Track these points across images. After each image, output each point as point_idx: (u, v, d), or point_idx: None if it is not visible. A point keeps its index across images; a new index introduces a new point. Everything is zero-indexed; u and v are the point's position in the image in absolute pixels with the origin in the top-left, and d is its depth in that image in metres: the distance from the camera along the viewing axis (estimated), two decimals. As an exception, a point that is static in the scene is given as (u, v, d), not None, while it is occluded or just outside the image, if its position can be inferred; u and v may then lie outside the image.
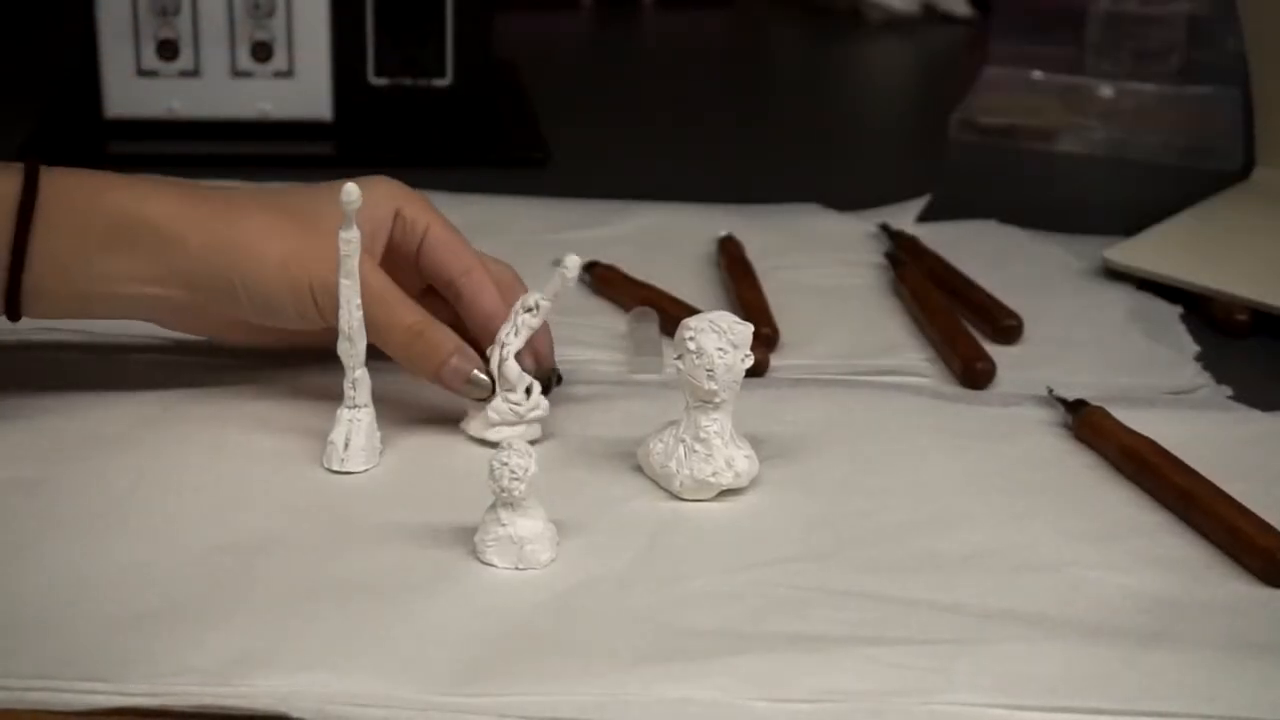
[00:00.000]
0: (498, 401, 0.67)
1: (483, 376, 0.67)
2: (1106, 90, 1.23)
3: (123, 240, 0.65)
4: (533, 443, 0.66)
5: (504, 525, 0.58)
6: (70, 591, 0.56)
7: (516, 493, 0.58)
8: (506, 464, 0.58)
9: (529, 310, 0.67)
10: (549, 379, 0.69)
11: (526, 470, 0.58)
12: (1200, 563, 0.61)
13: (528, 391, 0.67)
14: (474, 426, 0.68)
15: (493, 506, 0.59)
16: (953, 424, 0.71)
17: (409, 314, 0.67)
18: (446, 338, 0.67)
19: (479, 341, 0.68)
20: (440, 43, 1.08)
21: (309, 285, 0.65)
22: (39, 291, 0.65)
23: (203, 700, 0.51)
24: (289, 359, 0.73)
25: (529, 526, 0.58)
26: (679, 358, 0.64)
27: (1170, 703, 0.53)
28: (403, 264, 0.70)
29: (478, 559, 0.59)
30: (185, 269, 0.66)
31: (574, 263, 0.65)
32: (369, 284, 0.65)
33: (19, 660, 0.52)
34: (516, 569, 0.58)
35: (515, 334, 0.67)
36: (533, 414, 0.67)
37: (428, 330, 0.67)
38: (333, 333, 0.65)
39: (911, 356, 0.79)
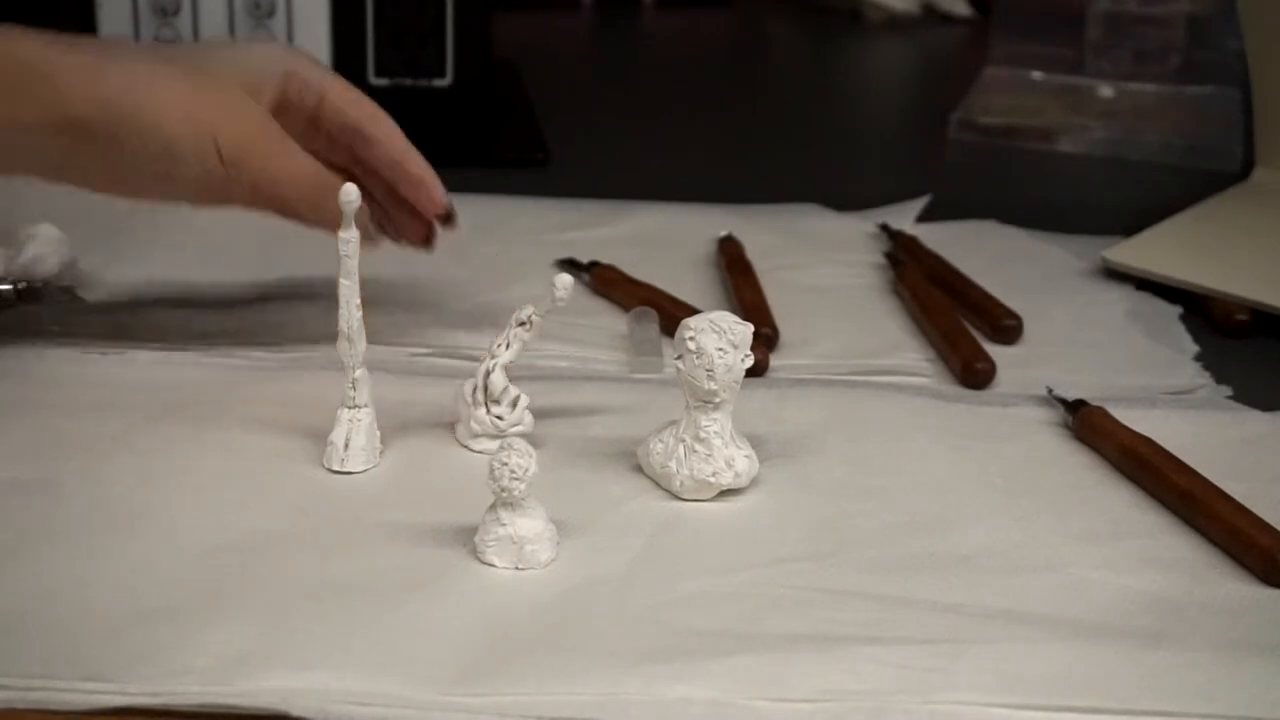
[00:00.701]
0: (480, 413, 0.67)
1: (373, 226, 0.73)
2: (1106, 90, 1.23)
3: (3, 85, 0.65)
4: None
5: (504, 525, 0.58)
6: (71, 591, 0.56)
7: (516, 492, 0.58)
8: (506, 464, 0.58)
9: (522, 324, 0.67)
10: (450, 214, 0.75)
11: (526, 470, 0.58)
12: (1200, 563, 0.61)
13: (513, 404, 0.67)
14: (460, 433, 0.68)
15: (493, 506, 0.59)
16: (953, 424, 0.71)
17: (315, 164, 0.69)
18: (352, 189, 0.64)
19: (395, 185, 0.73)
20: (440, 43, 1.08)
21: (212, 135, 0.66)
22: None
23: (204, 700, 0.51)
24: (290, 359, 0.74)
25: (529, 526, 0.58)
26: (679, 358, 0.64)
27: (1170, 703, 0.53)
28: (297, 125, 0.72)
29: (478, 559, 0.59)
30: (77, 115, 0.65)
31: (566, 282, 0.65)
32: (263, 132, 0.67)
33: (20, 660, 0.52)
34: (516, 569, 0.58)
35: (506, 347, 0.67)
36: (515, 429, 0.67)
37: (336, 184, 0.65)
38: (234, 192, 0.69)
39: (911, 356, 0.79)
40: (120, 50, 0.69)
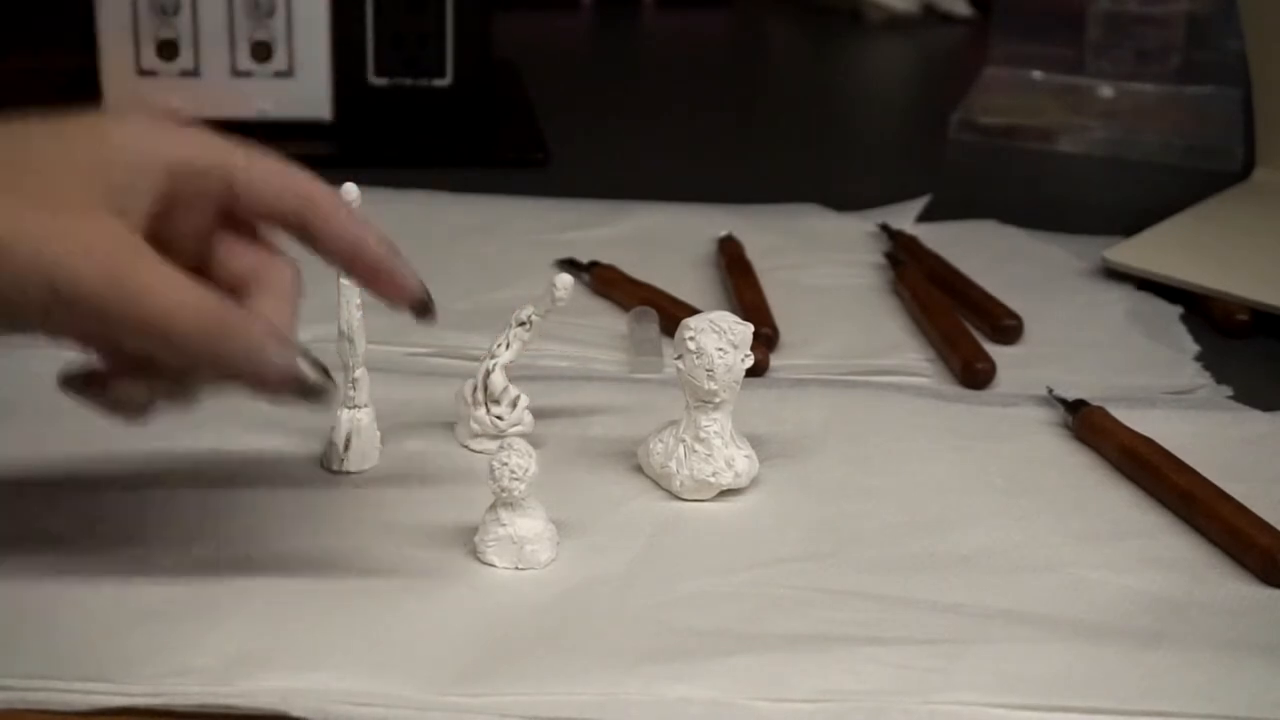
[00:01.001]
0: (480, 413, 0.67)
1: (317, 373, 0.52)
2: (1106, 90, 1.23)
3: None
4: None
5: (504, 525, 0.58)
6: (71, 591, 0.55)
7: (516, 492, 0.58)
8: (506, 464, 0.58)
9: (522, 324, 0.67)
10: (425, 304, 0.58)
11: (527, 470, 0.58)
12: (1200, 563, 0.61)
13: (513, 405, 0.67)
14: (459, 433, 0.68)
15: (493, 506, 0.58)
16: (953, 424, 0.71)
17: (195, 293, 0.50)
18: (253, 322, 0.52)
19: (351, 276, 0.57)
20: (440, 43, 1.08)
21: (44, 274, 0.49)
22: None
23: (204, 700, 0.51)
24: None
25: (529, 526, 0.58)
26: (679, 357, 0.64)
27: (1170, 703, 0.53)
28: (202, 224, 0.55)
29: (478, 559, 0.59)
30: None
31: (566, 282, 0.65)
32: (117, 260, 0.49)
33: (20, 660, 0.52)
34: (516, 569, 0.58)
35: (506, 347, 0.67)
36: (515, 429, 0.67)
37: (229, 316, 0.51)
38: (92, 330, 0.52)
39: (911, 356, 0.79)
40: None
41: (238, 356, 0.51)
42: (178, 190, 0.53)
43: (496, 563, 0.58)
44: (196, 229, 0.55)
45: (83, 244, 0.49)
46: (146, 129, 0.54)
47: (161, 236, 0.53)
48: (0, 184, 0.50)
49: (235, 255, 0.55)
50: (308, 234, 0.55)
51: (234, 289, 0.54)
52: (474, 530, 0.59)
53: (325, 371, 0.52)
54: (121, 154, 0.52)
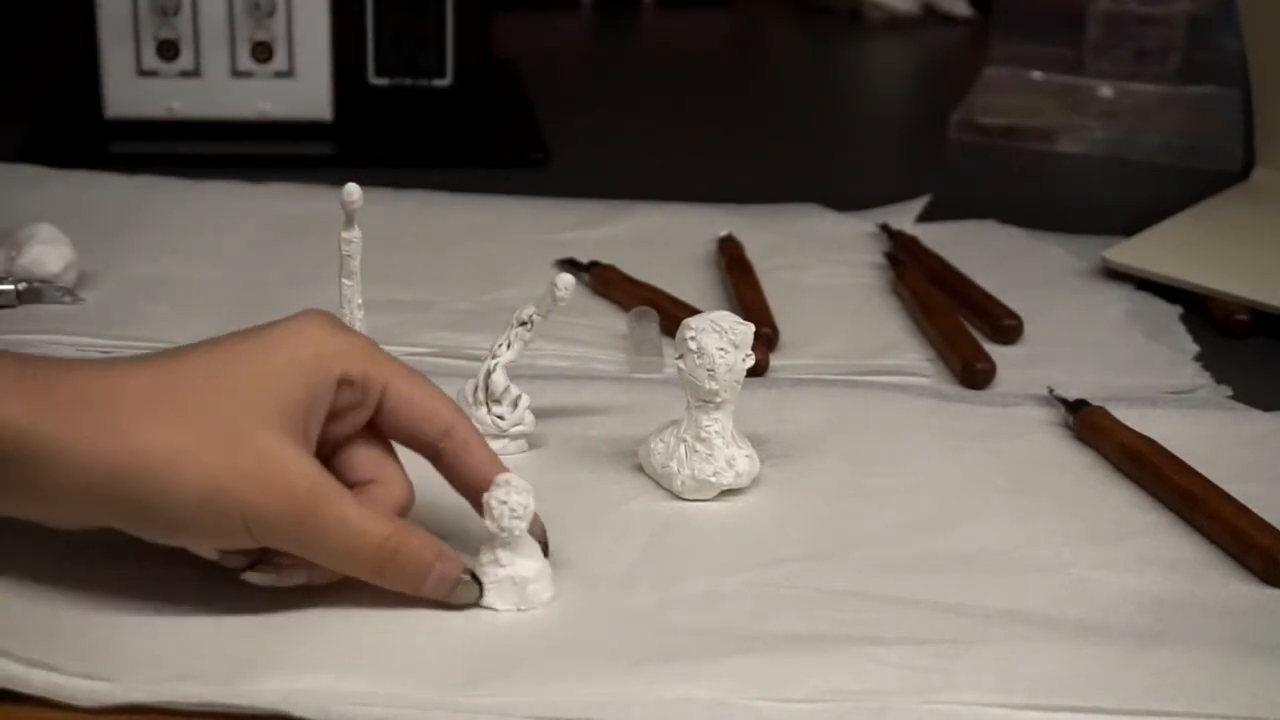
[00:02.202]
0: (482, 413, 0.67)
1: (469, 579, 0.56)
2: (1106, 90, 1.23)
3: None
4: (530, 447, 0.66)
5: (503, 566, 0.56)
6: (72, 592, 0.55)
7: (517, 531, 0.56)
8: (506, 502, 0.55)
9: (523, 324, 0.67)
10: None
11: (527, 508, 0.56)
12: (1201, 563, 0.61)
13: (514, 404, 0.67)
14: None
15: (490, 546, 0.56)
16: (953, 424, 0.71)
17: (375, 526, 0.54)
18: (424, 546, 0.55)
19: (474, 504, 0.57)
20: (440, 43, 1.08)
21: (241, 518, 0.52)
22: None
23: (205, 699, 0.51)
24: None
25: (529, 566, 0.56)
26: (680, 357, 0.64)
27: (1170, 702, 0.53)
28: (342, 430, 0.57)
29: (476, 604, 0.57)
30: (65, 497, 0.52)
31: (566, 282, 0.65)
32: (308, 500, 0.52)
33: (24, 644, 0.52)
34: (518, 610, 0.56)
35: (507, 347, 0.67)
36: (516, 429, 0.67)
37: (402, 546, 0.54)
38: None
39: (911, 356, 0.79)
40: (133, 398, 0.52)
41: (402, 579, 0.55)
42: (340, 402, 0.56)
43: (498, 605, 0.56)
44: (344, 435, 0.57)
45: (271, 478, 0.52)
46: (321, 343, 0.55)
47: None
48: (206, 434, 0.52)
49: (360, 462, 0.57)
50: (439, 460, 0.58)
51: (350, 488, 0.55)
52: (475, 530, 0.59)
53: (476, 579, 0.56)
54: (298, 371, 0.54)
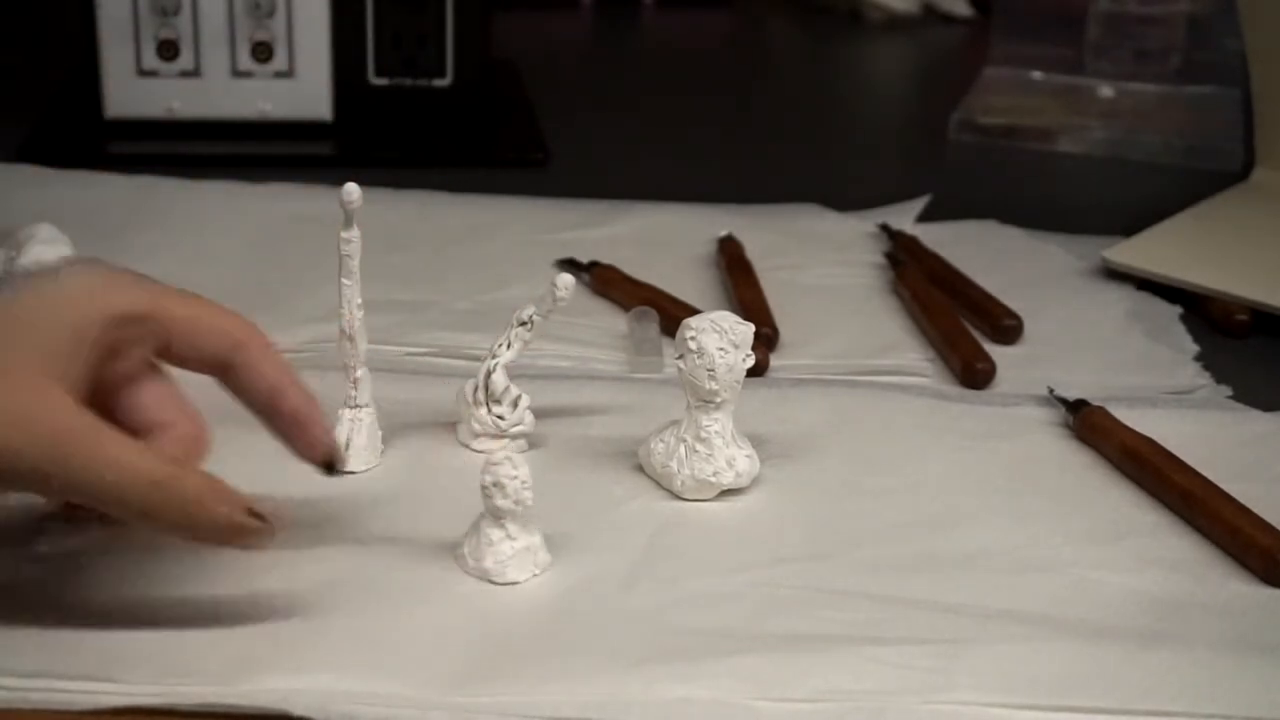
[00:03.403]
0: (482, 413, 0.67)
1: (255, 520, 0.53)
2: (1106, 90, 1.23)
3: None
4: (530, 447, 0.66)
5: (515, 539, 0.57)
6: (72, 592, 0.56)
7: (529, 502, 0.57)
8: (517, 476, 0.57)
9: (523, 324, 0.67)
10: (333, 463, 0.57)
11: (528, 477, 0.57)
12: (1201, 563, 0.61)
13: (514, 404, 0.67)
14: (461, 433, 0.68)
15: (499, 524, 0.57)
16: (953, 424, 0.71)
17: (145, 464, 0.52)
18: (202, 486, 0.52)
19: (274, 422, 0.57)
20: (440, 43, 1.08)
21: None
22: None
23: (205, 699, 0.51)
24: (290, 359, 0.73)
25: (534, 533, 0.58)
26: (680, 357, 0.64)
27: (1171, 703, 0.53)
28: (140, 365, 0.56)
29: (491, 581, 0.57)
30: None
31: (566, 282, 0.65)
32: (77, 435, 0.51)
33: (21, 660, 0.52)
34: (535, 575, 0.58)
35: (508, 347, 0.67)
36: (516, 429, 0.67)
37: (174, 483, 0.52)
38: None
39: (911, 356, 0.79)
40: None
41: (177, 519, 0.52)
42: (115, 339, 0.54)
43: (519, 578, 0.57)
44: (126, 373, 0.56)
45: (21, 418, 0.51)
46: (84, 285, 0.54)
47: (93, 380, 0.54)
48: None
49: (148, 404, 0.56)
50: (231, 375, 0.56)
51: (139, 435, 0.55)
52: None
53: (262, 517, 0.53)
54: (60, 313, 0.53)
